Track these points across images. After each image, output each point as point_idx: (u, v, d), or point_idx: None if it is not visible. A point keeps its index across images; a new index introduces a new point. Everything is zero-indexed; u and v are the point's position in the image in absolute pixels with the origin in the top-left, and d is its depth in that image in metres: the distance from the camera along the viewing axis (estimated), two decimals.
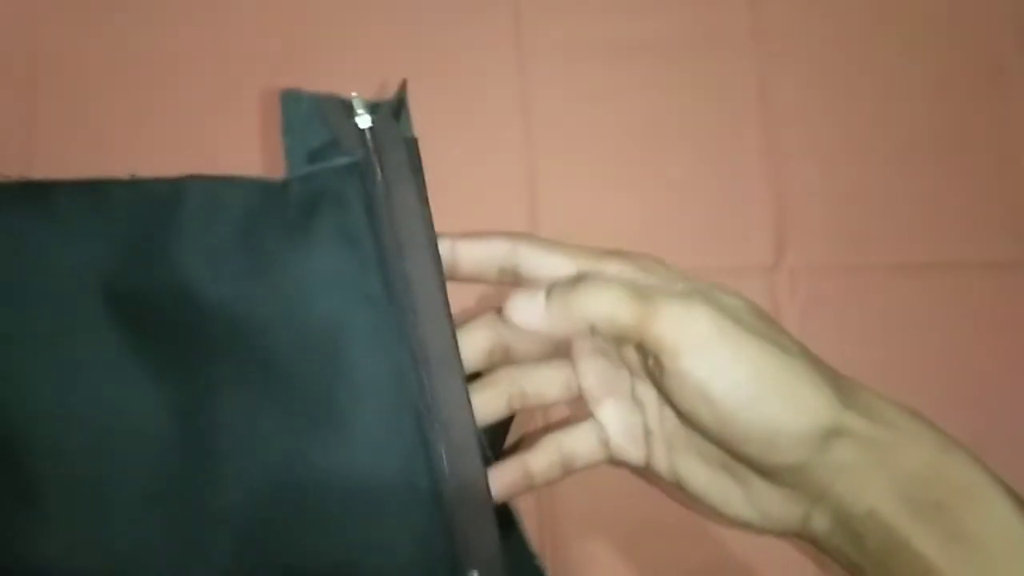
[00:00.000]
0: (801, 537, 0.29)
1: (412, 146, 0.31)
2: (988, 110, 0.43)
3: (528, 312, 0.28)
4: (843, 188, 0.42)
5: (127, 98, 0.42)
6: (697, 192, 0.41)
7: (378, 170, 0.30)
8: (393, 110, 0.32)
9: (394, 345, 0.29)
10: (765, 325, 0.27)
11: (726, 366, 0.26)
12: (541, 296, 0.28)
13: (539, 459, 0.31)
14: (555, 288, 0.28)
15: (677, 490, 0.30)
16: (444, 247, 0.31)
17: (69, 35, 0.42)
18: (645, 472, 0.32)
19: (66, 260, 0.30)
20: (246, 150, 0.40)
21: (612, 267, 0.29)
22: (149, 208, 0.30)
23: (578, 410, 0.33)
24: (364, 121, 0.31)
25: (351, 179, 0.31)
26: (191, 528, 0.28)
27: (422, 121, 0.35)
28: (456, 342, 0.30)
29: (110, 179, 0.31)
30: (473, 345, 0.31)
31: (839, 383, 0.27)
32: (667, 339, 0.26)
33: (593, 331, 0.27)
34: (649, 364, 0.28)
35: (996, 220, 0.42)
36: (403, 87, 0.33)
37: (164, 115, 0.41)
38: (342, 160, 0.31)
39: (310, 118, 0.32)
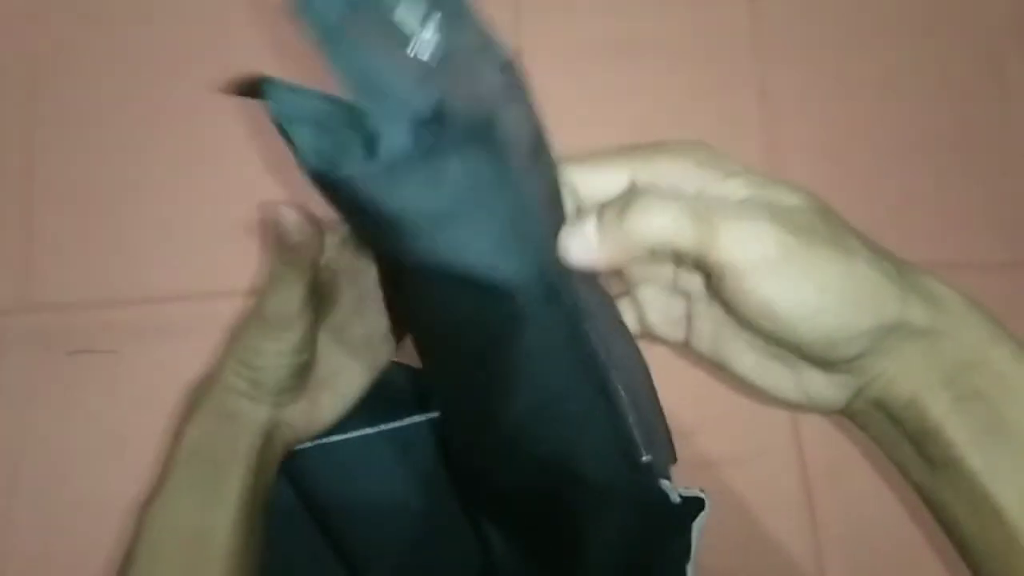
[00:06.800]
0: (842, 415, 0.29)
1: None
2: (988, 110, 0.43)
3: (581, 248, 0.26)
4: (842, 188, 0.42)
5: (126, 98, 0.42)
6: None
7: None
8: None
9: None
10: (828, 226, 0.26)
11: (790, 284, 0.25)
12: (591, 227, 0.26)
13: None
14: (605, 214, 0.26)
15: (718, 369, 0.30)
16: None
17: (69, 35, 0.42)
18: (684, 350, 0.31)
19: None
20: (245, 147, 0.40)
21: (663, 164, 0.27)
22: None
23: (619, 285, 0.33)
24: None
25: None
26: None
27: None
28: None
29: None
30: None
31: (901, 272, 0.26)
32: (730, 261, 0.25)
33: (652, 255, 0.26)
34: (711, 282, 0.27)
35: (996, 220, 0.42)
36: None
37: (163, 114, 0.41)
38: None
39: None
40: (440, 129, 0.22)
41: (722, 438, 0.40)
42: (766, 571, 0.39)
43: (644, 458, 0.29)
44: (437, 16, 0.22)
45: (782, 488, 0.40)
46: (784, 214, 0.25)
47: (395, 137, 0.23)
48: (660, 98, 0.43)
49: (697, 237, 0.25)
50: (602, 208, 0.26)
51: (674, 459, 0.31)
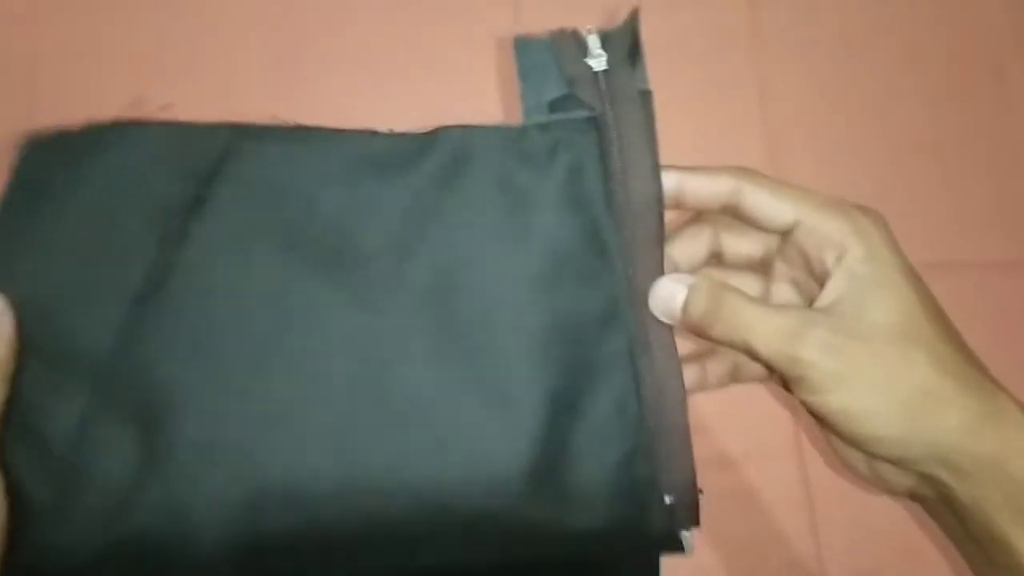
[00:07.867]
0: (912, 499, 0.30)
1: (647, 99, 0.31)
2: (988, 110, 0.43)
3: (665, 309, 0.29)
4: (843, 188, 0.41)
5: (127, 98, 0.42)
6: None
7: (613, 127, 0.30)
8: (629, 49, 0.32)
9: (612, 291, 0.30)
10: (920, 344, 0.27)
11: (854, 406, 0.27)
12: (680, 300, 0.28)
13: (715, 366, 0.33)
14: (695, 298, 0.28)
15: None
16: (671, 179, 0.30)
17: (69, 35, 0.42)
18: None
19: (321, 203, 0.31)
20: None
21: (831, 224, 0.29)
22: (401, 155, 0.31)
23: None
24: (599, 63, 0.31)
25: (588, 133, 0.31)
26: None
27: (421, 119, 0.36)
28: None
29: (367, 130, 0.32)
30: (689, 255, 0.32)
31: (973, 393, 0.27)
32: (804, 380, 0.27)
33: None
34: (784, 381, 0.29)
35: (996, 220, 0.42)
36: (634, 16, 0.32)
37: (164, 113, 0.41)
38: (580, 114, 0.31)
39: (545, 63, 0.32)
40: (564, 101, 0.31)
41: (722, 438, 0.40)
42: (766, 571, 0.39)
43: (667, 499, 0.29)
44: (607, 49, 0.32)
45: (782, 488, 0.40)
46: (870, 332, 0.27)
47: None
48: (660, 98, 0.42)
49: (783, 354, 0.27)
50: (703, 284, 0.28)
51: (696, 522, 0.30)
